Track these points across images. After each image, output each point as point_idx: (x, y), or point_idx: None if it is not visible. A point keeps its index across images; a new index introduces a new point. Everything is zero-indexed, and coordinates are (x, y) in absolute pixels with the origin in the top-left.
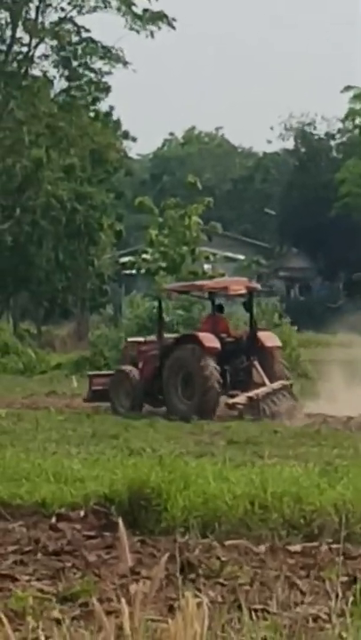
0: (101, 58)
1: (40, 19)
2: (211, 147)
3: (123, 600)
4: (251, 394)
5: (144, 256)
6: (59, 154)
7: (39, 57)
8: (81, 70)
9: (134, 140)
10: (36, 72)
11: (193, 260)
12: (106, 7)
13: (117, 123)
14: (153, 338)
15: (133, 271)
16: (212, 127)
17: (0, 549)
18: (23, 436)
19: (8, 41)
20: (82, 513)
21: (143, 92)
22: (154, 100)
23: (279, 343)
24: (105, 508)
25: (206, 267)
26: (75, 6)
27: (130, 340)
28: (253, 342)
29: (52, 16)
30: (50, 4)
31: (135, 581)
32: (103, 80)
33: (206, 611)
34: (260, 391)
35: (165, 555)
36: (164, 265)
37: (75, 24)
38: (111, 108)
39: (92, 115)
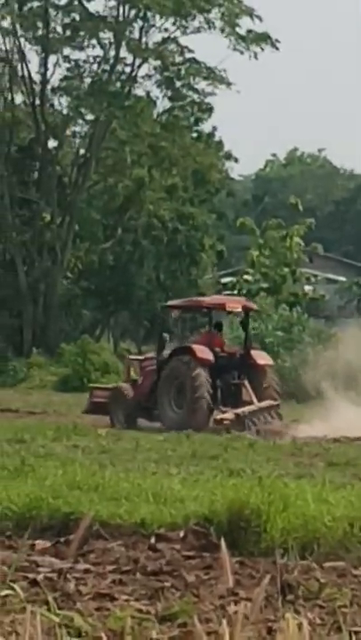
0: (205, 78)
1: (144, 39)
2: (313, 168)
3: (223, 621)
4: (238, 411)
5: (245, 277)
6: (161, 174)
7: (142, 77)
8: (184, 91)
9: (236, 160)
10: (139, 92)
11: (294, 281)
12: (210, 28)
13: (220, 143)
14: (153, 354)
15: (234, 292)
16: (315, 148)
17: (99, 569)
18: (123, 455)
19: (111, 61)
20: (181, 533)
21: (246, 112)
22: (256, 121)
23: (271, 362)
24: (204, 529)
25: (307, 288)
26: (179, 27)
27: (131, 357)
28: (246, 359)
29: (155, 36)
30: (153, 25)
31: (234, 602)
32: (206, 101)
33: (307, 632)
34: (247, 409)
35: (267, 576)
36: (265, 286)
37: (178, 44)
38: (214, 128)
39: (194, 135)
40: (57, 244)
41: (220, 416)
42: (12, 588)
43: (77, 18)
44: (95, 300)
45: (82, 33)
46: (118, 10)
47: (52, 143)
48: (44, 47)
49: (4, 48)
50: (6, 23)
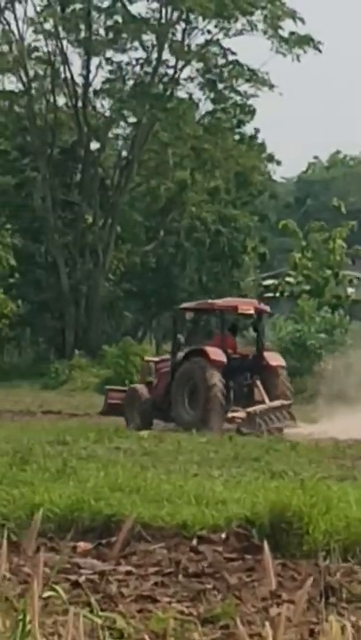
0: (247, 81)
1: (186, 41)
2: (356, 170)
3: (266, 623)
4: (250, 409)
5: (287, 279)
6: (203, 176)
7: (185, 79)
8: (226, 93)
9: (279, 163)
10: (181, 94)
11: (336, 283)
12: (252, 30)
13: (262, 146)
14: (168, 356)
15: (277, 294)
16: (358, 151)
17: (141, 571)
18: (165, 457)
19: (154, 63)
20: (223, 535)
21: (289, 115)
22: (299, 124)
23: (283, 363)
24: (246, 531)
25: (350, 290)
26: (221, 29)
27: (147, 358)
28: (259, 361)
29: (198, 38)
30: (196, 27)
31: (277, 605)
32: (248, 103)
33: (350, 635)
34: (259, 408)
35: (309, 578)
36: (307, 288)
37: (221, 47)
38: (256, 130)
39: (236, 137)
40: (99, 246)
41: (231, 414)
42: (55, 590)
43: (120, 20)
44: (137, 302)
45: (124, 35)
46: (161, 12)
47: (94, 145)
48: (87, 49)
49: (46, 50)
50: (49, 25)
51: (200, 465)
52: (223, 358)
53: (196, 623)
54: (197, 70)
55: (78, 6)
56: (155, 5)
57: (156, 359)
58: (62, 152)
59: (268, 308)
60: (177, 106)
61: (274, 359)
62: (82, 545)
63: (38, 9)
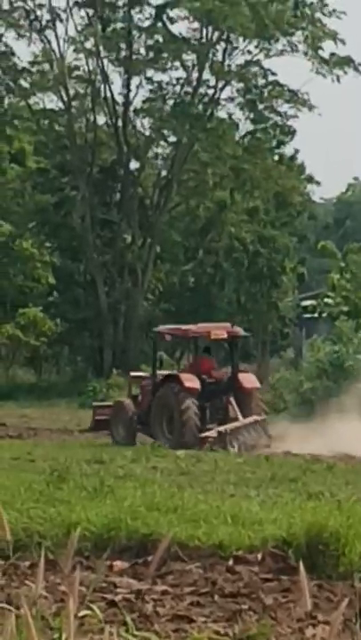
0: (287, 101)
1: (227, 61)
2: None
3: None
4: (221, 428)
5: (326, 300)
6: (243, 196)
7: (225, 99)
8: (266, 113)
9: (318, 183)
10: (221, 114)
11: None
12: (293, 51)
13: (301, 166)
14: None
15: (315, 315)
16: None
17: (177, 590)
18: (202, 477)
19: (194, 83)
20: (259, 556)
21: (328, 136)
22: (338, 145)
23: (258, 384)
24: (282, 552)
25: None
26: (262, 49)
27: (132, 374)
28: (233, 383)
29: (238, 58)
30: (237, 47)
31: (312, 625)
32: (288, 123)
33: None
34: (230, 426)
35: (345, 599)
36: (345, 309)
37: (261, 67)
38: (296, 151)
39: (276, 158)
40: (138, 265)
41: (204, 434)
42: (91, 609)
43: (161, 39)
44: (175, 322)
45: (165, 55)
46: (201, 32)
47: (134, 164)
48: (127, 68)
49: (87, 69)
50: (90, 44)
51: (237, 485)
52: (197, 385)
53: None
54: (238, 90)
55: (119, 25)
56: (195, 25)
57: (142, 375)
58: (102, 171)
59: (241, 331)
60: (217, 126)
61: (248, 381)
62: (118, 564)
63: (79, 28)
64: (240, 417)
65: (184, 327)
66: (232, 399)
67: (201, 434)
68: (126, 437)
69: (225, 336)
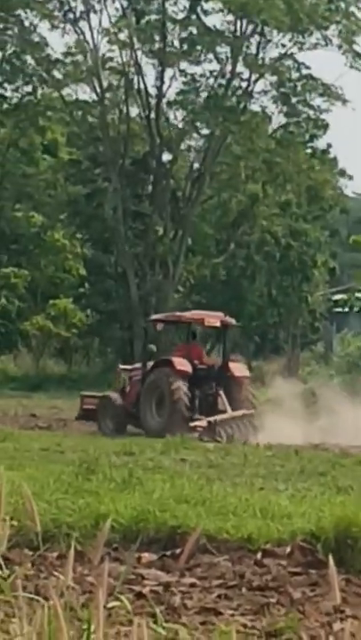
0: (321, 95)
1: (260, 54)
2: None
3: (330, 638)
4: (210, 418)
5: (357, 294)
6: (275, 189)
7: (258, 92)
8: (300, 107)
9: (351, 178)
10: (254, 107)
11: None
12: (327, 45)
13: (334, 160)
14: (140, 365)
15: (346, 309)
16: None
17: (205, 583)
18: (231, 470)
19: (228, 75)
20: (288, 549)
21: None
22: None
23: (248, 374)
24: (311, 545)
25: None
26: (296, 43)
27: (121, 367)
28: (224, 371)
29: (272, 52)
30: (270, 40)
31: (340, 620)
32: (321, 117)
33: None
34: (220, 417)
35: None
36: None
37: (295, 60)
38: (328, 145)
39: (309, 151)
40: (169, 257)
41: (193, 423)
42: (120, 600)
43: (195, 32)
44: None
45: (199, 47)
46: (235, 24)
47: (166, 157)
48: (161, 60)
49: (120, 61)
50: (123, 36)
51: (266, 478)
52: (188, 368)
53: (260, 636)
54: (271, 84)
55: (153, 17)
56: (230, 18)
57: (129, 367)
58: (134, 163)
59: (233, 321)
60: (250, 119)
61: (238, 370)
62: (146, 556)
63: (113, 19)
64: (229, 409)
65: (178, 313)
66: (222, 392)
67: (190, 422)
68: (115, 429)
69: (218, 324)
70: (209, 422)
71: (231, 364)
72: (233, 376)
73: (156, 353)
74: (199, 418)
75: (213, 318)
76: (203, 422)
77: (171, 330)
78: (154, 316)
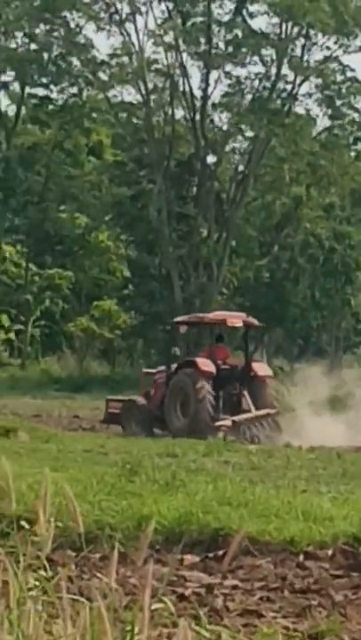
0: None
1: (305, 57)
2: None
3: None
4: (235, 418)
5: None
6: (319, 192)
7: (303, 95)
8: (344, 109)
9: None
10: (299, 110)
11: None
12: None
13: None
14: (164, 368)
15: None
16: None
17: (247, 585)
18: (273, 472)
19: (273, 78)
20: (330, 552)
21: None
22: None
23: (270, 373)
24: (353, 548)
25: None
26: (340, 45)
27: (144, 370)
28: (247, 371)
29: (317, 54)
30: (315, 43)
31: None
32: None
33: None
34: (244, 416)
35: None
36: None
37: (340, 63)
38: None
39: (353, 154)
40: (213, 259)
41: (218, 423)
42: (163, 602)
43: (240, 34)
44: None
45: (244, 49)
46: (281, 27)
47: (211, 159)
48: (206, 63)
49: (166, 63)
50: (169, 38)
51: (308, 481)
52: (212, 369)
53: (301, 639)
54: (316, 86)
55: (199, 19)
56: (275, 20)
57: (154, 371)
58: (179, 165)
59: (255, 322)
60: (294, 121)
61: (262, 369)
62: (188, 558)
63: (159, 21)
64: (253, 409)
65: (200, 315)
66: (245, 392)
67: (215, 422)
68: (141, 432)
69: (240, 324)
70: (233, 422)
71: (254, 364)
72: (256, 376)
73: (179, 355)
74: (224, 418)
75: (236, 319)
76: (227, 422)
77: (205, 332)
78: (177, 319)
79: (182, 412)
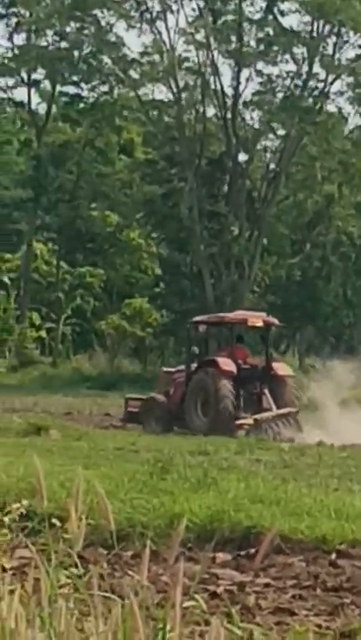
0: None
1: (337, 55)
2: None
3: None
4: (256, 416)
5: None
6: (351, 190)
7: (335, 93)
8: None
9: None
10: (330, 108)
11: None
12: None
13: None
14: (183, 367)
15: None
16: None
17: (279, 583)
18: (305, 470)
19: (304, 76)
20: None
21: None
22: None
23: (291, 372)
24: None
25: None
26: None
27: (164, 369)
28: (267, 370)
29: (349, 52)
30: (347, 41)
31: None
32: None
33: None
34: (265, 415)
35: None
36: None
37: None
38: None
39: None
40: (245, 257)
41: (239, 421)
42: (195, 600)
43: (271, 32)
44: (281, 315)
45: (275, 47)
46: (312, 25)
47: (242, 157)
48: (237, 61)
49: (197, 61)
50: (200, 36)
51: (341, 479)
52: (233, 368)
53: (334, 637)
54: (347, 84)
55: (230, 17)
56: (307, 19)
57: (173, 370)
58: (210, 163)
59: (276, 321)
60: (326, 120)
61: (282, 369)
62: (220, 556)
63: (190, 19)
64: (274, 407)
65: (221, 314)
66: (266, 391)
67: (236, 420)
68: (161, 430)
69: (261, 324)
70: (255, 420)
71: (275, 364)
72: (277, 375)
73: (199, 355)
74: (245, 416)
75: (256, 318)
76: (249, 420)
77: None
78: (197, 318)
79: (203, 410)
